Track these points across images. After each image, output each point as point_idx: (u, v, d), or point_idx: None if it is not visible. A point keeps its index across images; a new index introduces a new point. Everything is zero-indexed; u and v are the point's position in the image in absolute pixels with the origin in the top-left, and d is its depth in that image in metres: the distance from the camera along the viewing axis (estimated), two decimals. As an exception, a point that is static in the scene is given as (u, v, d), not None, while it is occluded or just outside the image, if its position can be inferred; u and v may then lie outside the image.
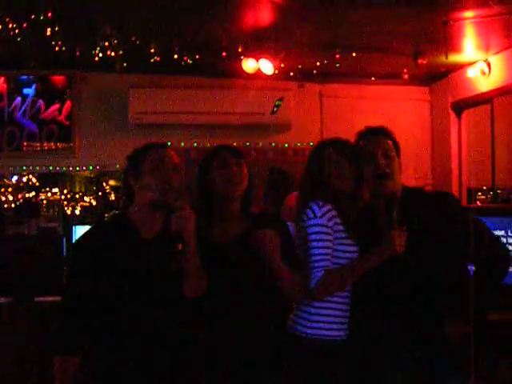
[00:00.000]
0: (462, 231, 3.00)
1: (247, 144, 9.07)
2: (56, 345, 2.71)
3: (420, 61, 7.59)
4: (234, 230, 2.97)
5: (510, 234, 5.05)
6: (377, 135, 3.25)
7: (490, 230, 3.30)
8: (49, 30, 6.66)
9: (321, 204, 3.06)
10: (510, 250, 3.29)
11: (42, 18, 6.29)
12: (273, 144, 9.29)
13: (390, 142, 3.21)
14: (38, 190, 8.95)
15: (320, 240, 3.01)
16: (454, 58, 7.94)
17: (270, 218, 3.13)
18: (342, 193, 3.12)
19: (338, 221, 3.08)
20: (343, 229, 3.08)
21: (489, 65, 8.03)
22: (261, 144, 9.23)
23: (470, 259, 2.92)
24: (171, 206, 2.69)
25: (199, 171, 3.05)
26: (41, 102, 8.75)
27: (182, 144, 8.88)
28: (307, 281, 3.01)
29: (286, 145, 9.32)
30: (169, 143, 8.37)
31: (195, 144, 8.92)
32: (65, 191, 8.98)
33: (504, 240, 5.03)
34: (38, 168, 8.79)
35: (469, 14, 6.37)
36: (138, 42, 7.23)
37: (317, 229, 3.03)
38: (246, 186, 3.01)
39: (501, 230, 5.04)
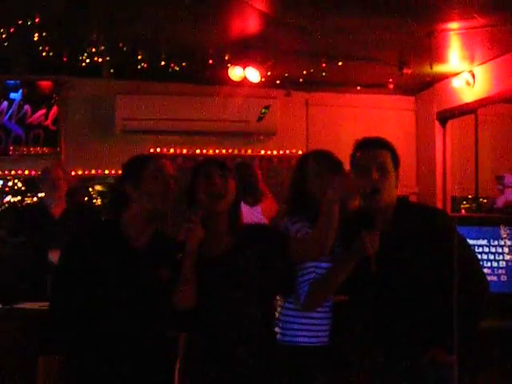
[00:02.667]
0: (447, 255, 2.94)
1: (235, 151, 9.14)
2: (42, 345, 2.72)
3: (405, 71, 7.64)
4: (221, 245, 2.94)
5: (492, 243, 5.09)
6: (373, 148, 3.10)
7: (476, 260, 3.25)
8: (36, 35, 6.68)
9: (294, 220, 3.07)
10: (488, 285, 3.17)
11: (29, 23, 6.30)
12: (261, 152, 9.32)
13: (387, 155, 3.08)
14: (23, 194, 8.91)
15: None
16: (439, 68, 8.01)
17: (256, 232, 3.07)
18: None
19: None
20: None
21: (473, 75, 8.11)
22: (247, 151, 9.24)
23: (455, 285, 2.86)
24: (167, 215, 2.73)
25: (187, 187, 3.01)
26: (27, 107, 8.73)
27: (172, 151, 8.91)
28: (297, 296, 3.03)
29: (273, 152, 9.34)
30: (158, 150, 8.36)
31: (184, 151, 8.95)
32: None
33: (486, 249, 5.08)
34: (24, 172, 8.78)
35: (453, 25, 6.43)
36: (125, 49, 7.25)
37: None
38: (231, 199, 2.94)
39: (483, 239, 5.09)
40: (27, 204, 8.77)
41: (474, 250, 4.91)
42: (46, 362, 2.71)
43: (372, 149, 3.09)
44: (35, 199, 8.69)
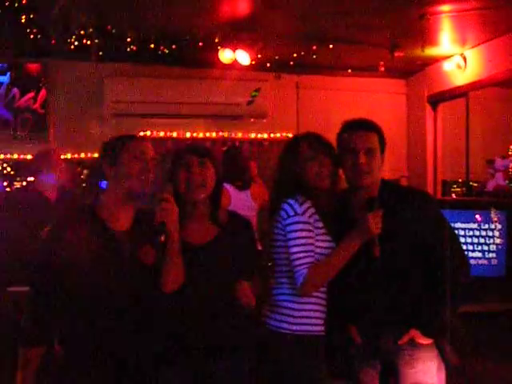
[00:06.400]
0: (438, 236, 2.94)
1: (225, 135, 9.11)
2: (23, 336, 2.69)
3: (397, 54, 7.62)
4: (205, 233, 2.97)
5: (482, 227, 5.10)
6: (361, 130, 3.10)
7: (458, 240, 3.27)
8: (24, 17, 6.60)
9: (301, 201, 3.05)
10: (469, 268, 3.17)
11: (16, 5, 6.23)
12: (251, 135, 9.28)
13: (374, 137, 3.08)
14: (12, 178, 8.84)
15: (303, 237, 3.00)
16: (431, 51, 7.99)
17: (238, 224, 3.12)
18: (318, 189, 3.11)
19: (317, 217, 3.07)
20: (322, 225, 3.08)
21: (465, 59, 8.10)
22: (237, 135, 9.20)
23: (443, 267, 2.87)
24: (146, 197, 2.70)
25: (168, 176, 3.00)
26: (15, 90, 8.65)
27: (161, 134, 8.86)
28: (293, 278, 3.01)
29: (263, 135, 9.30)
30: (148, 133, 8.32)
31: (174, 134, 8.91)
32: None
33: (477, 233, 5.08)
34: (12, 156, 8.72)
35: (445, 7, 6.41)
36: (114, 31, 7.18)
37: (299, 226, 3.01)
38: (211, 187, 2.97)
39: (474, 223, 5.09)
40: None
41: (458, 232, 4.93)
42: (26, 352, 2.67)
43: (360, 131, 3.09)
44: (24, 183, 8.63)
